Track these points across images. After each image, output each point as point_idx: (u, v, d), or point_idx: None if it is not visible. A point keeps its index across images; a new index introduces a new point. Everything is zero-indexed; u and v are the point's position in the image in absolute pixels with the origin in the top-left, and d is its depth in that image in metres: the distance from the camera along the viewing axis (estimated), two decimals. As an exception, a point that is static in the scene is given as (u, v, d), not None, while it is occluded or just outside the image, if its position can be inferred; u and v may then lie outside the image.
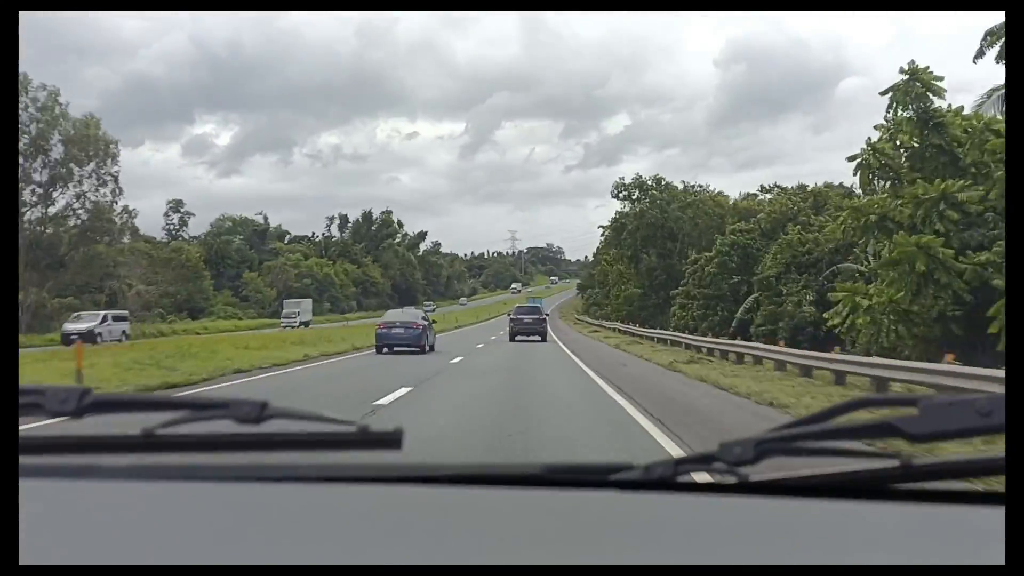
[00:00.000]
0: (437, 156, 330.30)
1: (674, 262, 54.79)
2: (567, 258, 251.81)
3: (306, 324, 69.36)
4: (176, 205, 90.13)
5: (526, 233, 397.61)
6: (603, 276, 75.55)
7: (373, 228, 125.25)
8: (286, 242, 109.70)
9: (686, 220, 54.46)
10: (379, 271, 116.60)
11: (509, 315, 36.04)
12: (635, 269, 57.43)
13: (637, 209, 56.13)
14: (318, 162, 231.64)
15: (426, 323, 24.95)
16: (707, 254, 44.37)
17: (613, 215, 60.27)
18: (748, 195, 55.62)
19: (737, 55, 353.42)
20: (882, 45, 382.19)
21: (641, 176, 57.74)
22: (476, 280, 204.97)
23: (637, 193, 57.34)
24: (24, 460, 1.00)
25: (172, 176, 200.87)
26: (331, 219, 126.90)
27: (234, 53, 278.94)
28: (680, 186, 57.77)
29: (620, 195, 58.13)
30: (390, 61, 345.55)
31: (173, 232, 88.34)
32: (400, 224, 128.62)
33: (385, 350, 23.51)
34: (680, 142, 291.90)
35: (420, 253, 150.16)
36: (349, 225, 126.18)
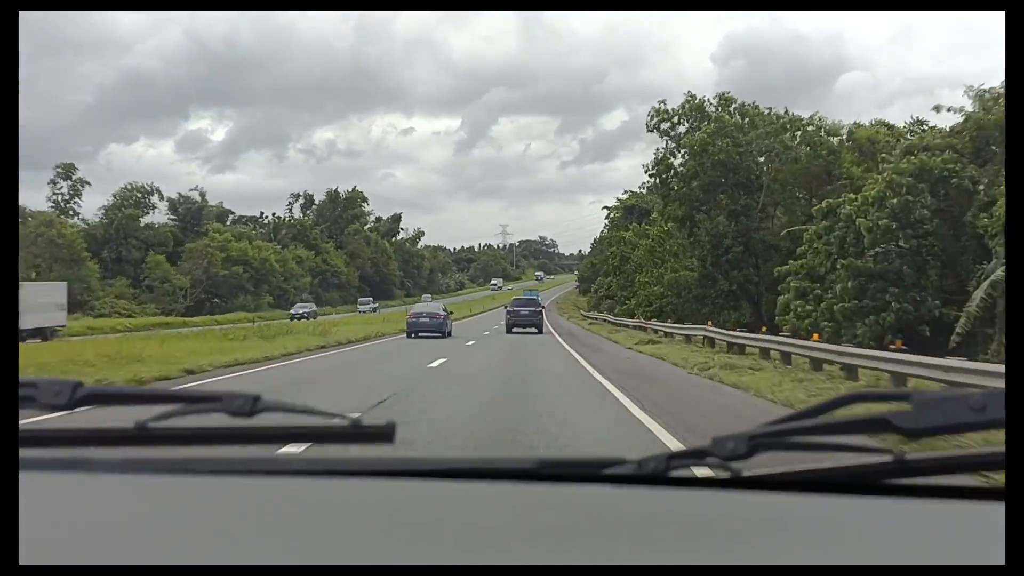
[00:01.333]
0: (432, 152, 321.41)
1: (754, 226, 34.19)
2: (561, 252, 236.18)
3: None
4: (66, 171, 68.93)
5: (519, 228, 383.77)
6: (619, 260, 54.85)
7: (338, 210, 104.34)
8: (228, 223, 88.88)
9: (778, 154, 33.46)
10: (343, 259, 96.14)
11: (506, 307, 35.69)
12: (689, 238, 36.29)
13: (695, 145, 34.05)
14: (312, 158, 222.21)
15: (445, 313, 30.20)
16: (851, 196, 23.77)
17: (653, 157, 38.04)
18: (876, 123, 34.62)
19: (735, 51, 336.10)
20: (883, 40, 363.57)
21: (697, 96, 36.48)
22: (464, 274, 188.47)
23: (690, 123, 36.20)
24: (19, 453, 1.00)
25: (165, 172, 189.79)
26: (295, 197, 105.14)
27: (230, 48, 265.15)
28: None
29: (661, 127, 36.92)
30: (387, 57, 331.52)
31: (62, 205, 67.29)
32: (364, 198, 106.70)
33: (413, 335, 27.95)
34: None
35: (398, 240, 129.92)
36: (314, 206, 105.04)
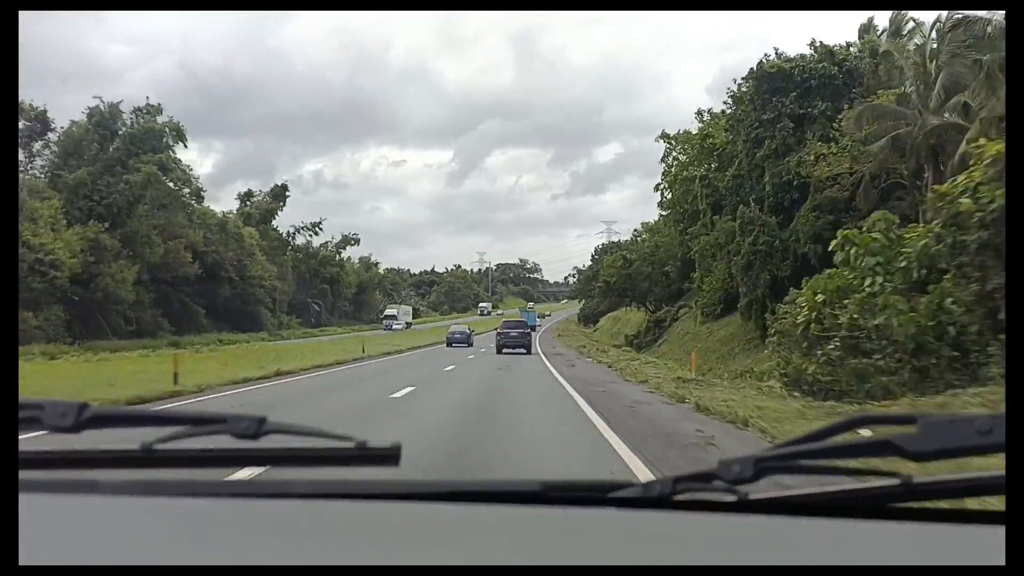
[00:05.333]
0: (422, 185, 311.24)
1: None
2: (545, 279, 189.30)
3: None
4: None
5: (502, 259, 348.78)
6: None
7: (112, 148, 48.73)
8: None
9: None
10: (78, 240, 40.64)
11: (497, 330, 36.63)
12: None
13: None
14: (298, 189, 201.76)
15: (470, 331, 45.26)
16: None
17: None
18: None
19: (731, 83, 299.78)
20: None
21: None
22: (423, 299, 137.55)
23: None
24: (22, 475, 0.96)
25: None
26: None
27: (223, 79, 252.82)
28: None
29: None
30: (382, 89, 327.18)
31: None
32: (179, 133, 49.95)
33: (450, 346, 41.32)
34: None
35: (296, 238, 75.71)
36: (52, 133, 48.37)
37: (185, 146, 50.67)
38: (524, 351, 33.18)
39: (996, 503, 0.91)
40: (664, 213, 50.40)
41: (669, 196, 46.24)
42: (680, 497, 0.95)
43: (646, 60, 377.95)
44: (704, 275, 38.15)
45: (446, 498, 1.00)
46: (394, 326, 75.37)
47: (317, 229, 78.51)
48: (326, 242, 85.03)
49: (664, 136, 46.23)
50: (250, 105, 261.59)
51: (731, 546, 0.84)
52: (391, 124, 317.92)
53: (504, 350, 32.81)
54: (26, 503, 0.86)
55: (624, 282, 51.95)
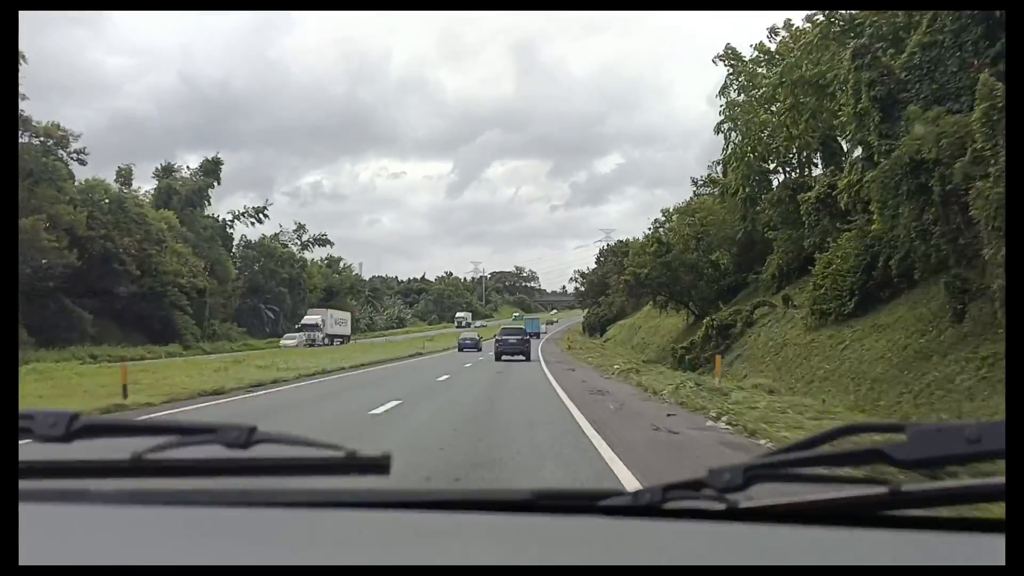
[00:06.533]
0: (420, 197, 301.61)
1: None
2: (543, 288, 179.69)
3: None
4: None
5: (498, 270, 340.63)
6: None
7: None
8: None
9: None
10: None
11: (496, 337, 35.96)
12: None
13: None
14: (296, 200, 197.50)
15: (479, 338, 48.80)
16: None
17: None
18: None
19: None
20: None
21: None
22: (410, 308, 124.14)
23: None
24: None
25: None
26: None
27: (223, 91, 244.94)
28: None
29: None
30: (381, 100, 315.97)
31: None
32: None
33: (461, 351, 45.14)
34: (669, 181, 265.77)
35: (224, 226, 60.40)
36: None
37: (25, 62, 35.16)
38: (523, 358, 32.26)
39: (987, 511, 0.90)
40: (713, 178, 35.25)
41: (738, 138, 31.09)
42: (669, 505, 0.94)
43: (646, 71, 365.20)
44: (809, 248, 23.19)
45: (436, 507, 1.00)
46: (283, 342, 54.28)
47: (261, 216, 63.05)
48: (276, 233, 69.75)
49: (728, 55, 31.22)
50: (249, 117, 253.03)
51: (720, 554, 0.84)
52: (390, 135, 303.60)
53: (503, 357, 32.27)
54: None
55: (661, 274, 36.75)
